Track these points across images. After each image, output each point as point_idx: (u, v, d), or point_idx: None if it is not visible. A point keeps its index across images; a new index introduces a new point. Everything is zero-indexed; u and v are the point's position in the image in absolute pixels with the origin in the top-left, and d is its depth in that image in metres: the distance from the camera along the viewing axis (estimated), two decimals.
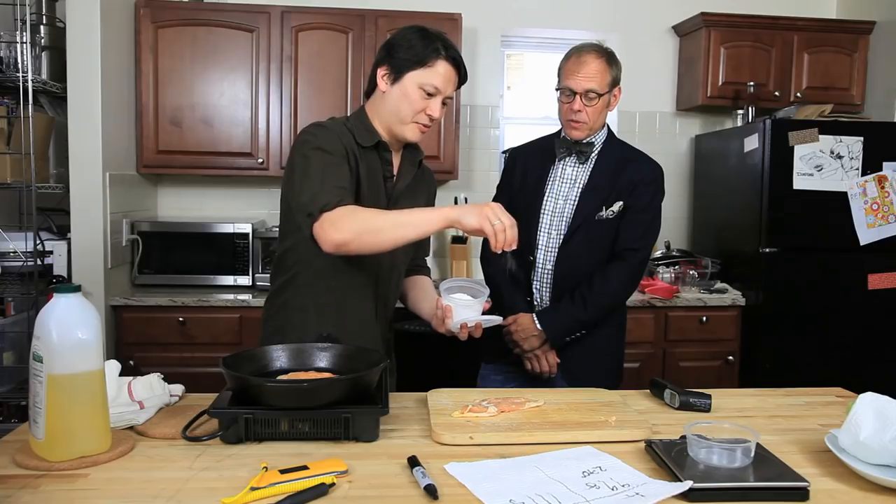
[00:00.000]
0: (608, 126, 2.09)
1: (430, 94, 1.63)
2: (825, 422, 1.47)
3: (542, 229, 2.05)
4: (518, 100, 4.00)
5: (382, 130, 1.69)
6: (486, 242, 2.17)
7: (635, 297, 3.21)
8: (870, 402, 1.22)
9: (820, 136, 3.15)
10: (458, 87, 1.71)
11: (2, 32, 2.76)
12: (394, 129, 1.68)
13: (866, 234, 3.21)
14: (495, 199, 2.21)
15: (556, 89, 2.02)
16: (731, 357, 3.28)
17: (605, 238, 2.01)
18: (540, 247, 2.05)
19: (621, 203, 2.00)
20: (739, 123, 3.60)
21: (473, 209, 1.45)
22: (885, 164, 3.19)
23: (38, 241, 2.75)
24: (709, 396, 1.55)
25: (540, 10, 3.79)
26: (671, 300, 3.21)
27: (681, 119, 3.93)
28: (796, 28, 3.57)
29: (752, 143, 3.27)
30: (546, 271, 2.05)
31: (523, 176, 2.10)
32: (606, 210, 2.00)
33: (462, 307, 1.61)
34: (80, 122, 2.86)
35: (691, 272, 3.44)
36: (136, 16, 3.23)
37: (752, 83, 3.49)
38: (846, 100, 3.62)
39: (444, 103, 1.67)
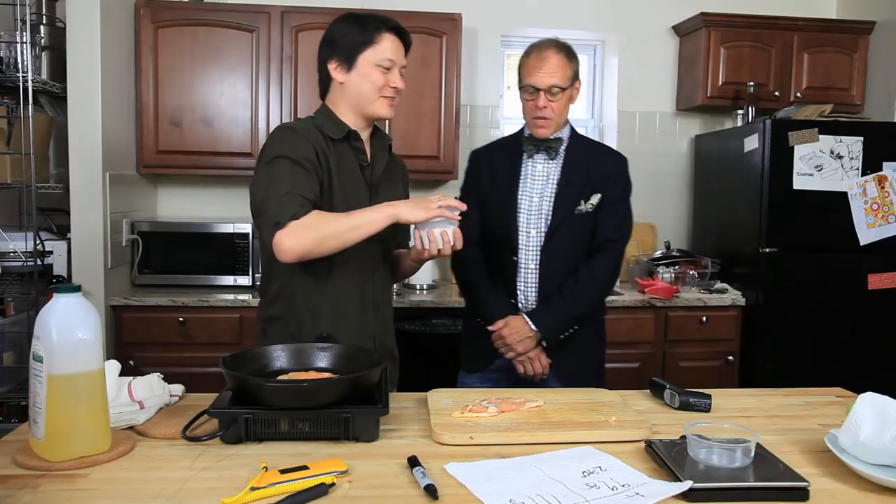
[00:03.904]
0: (569, 121, 2.09)
1: (387, 69, 1.66)
2: (825, 422, 1.47)
3: (521, 229, 2.02)
4: (518, 100, 3.99)
5: (351, 119, 1.71)
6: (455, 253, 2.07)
7: (635, 297, 3.22)
8: (870, 402, 1.22)
9: (820, 136, 3.15)
10: (406, 53, 1.74)
11: (2, 32, 2.76)
12: (365, 112, 1.70)
13: (866, 234, 3.21)
14: (461, 201, 2.14)
15: (520, 87, 2.02)
16: (731, 357, 3.28)
17: (585, 232, 2.02)
18: (521, 246, 2.02)
19: (599, 195, 2.01)
20: (739, 123, 3.60)
21: (414, 203, 1.55)
22: (885, 164, 3.19)
23: (38, 241, 2.75)
24: (709, 396, 1.55)
25: (540, 10, 3.79)
26: (671, 300, 3.21)
27: (681, 119, 3.93)
28: (796, 28, 3.57)
29: (752, 143, 3.27)
30: (530, 271, 2.03)
31: (491, 176, 2.08)
32: (586, 203, 2.00)
33: (437, 224, 1.57)
34: (80, 122, 2.86)
35: (691, 272, 3.44)
36: (136, 16, 3.23)
37: (752, 83, 3.49)
38: (846, 100, 3.62)
39: (401, 73, 1.70)
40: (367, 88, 1.67)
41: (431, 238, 1.57)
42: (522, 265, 2.03)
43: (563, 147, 2.04)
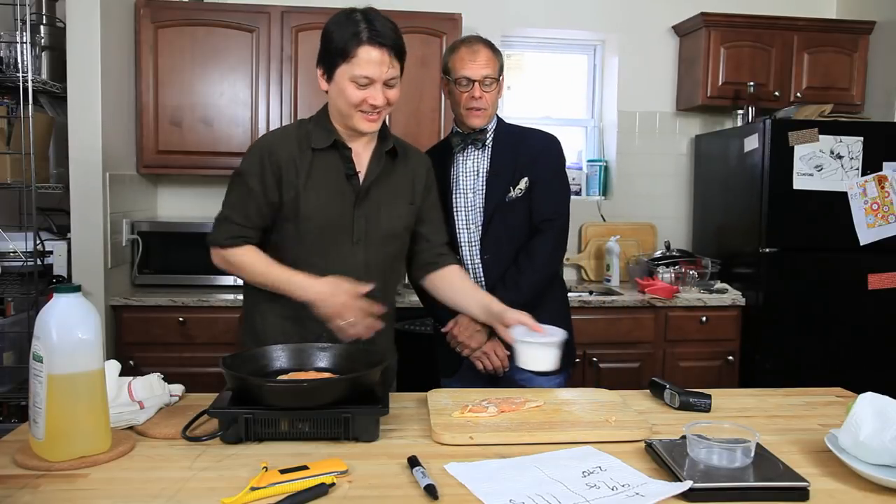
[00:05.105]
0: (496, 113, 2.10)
1: (364, 85, 1.57)
2: (825, 422, 1.47)
3: (460, 226, 2.05)
4: (518, 100, 4.00)
5: (340, 127, 1.68)
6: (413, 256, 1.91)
7: (635, 297, 3.22)
8: (870, 402, 1.22)
9: (820, 136, 3.15)
10: (401, 61, 1.62)
11: (2, 32, 2.76)
12: (345, 123, 1.66)
13: (866, 234, 3.21)
14: None
15: (452, 80, 2.00)
16: (731, 357, 3.28)
17: (521, 217, 2.03)
18: (462, 243, 2.05)
19: (527, 179, 2.02)
20: (739, 123, 3.60)
21: (334, 303, 1.56)
22: (885, 164, 3.19)
23: (38, 241, 2.75)
24: (709, 396, 1.55)
25: (540, 10, 3.79)
26: (671, 300, 3.21)
27: (681, 119, 3.93)
28: (796, 28, 3.57)
29: (752, 143, 3.27)
30: (474, 265, 2.04)
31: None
32: (515, 189, 2.02)
33: (534, 348, 1.60)
34: (80, 122, 2.86)
35: (691, 272, 3.44)
36: (136, 16, 3.23)
37: (752, 83, 3.49)
38: (846, 100, 3.62)
39: (389, 85, 1.60)
40: (342, 103, 1.61)
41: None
42: (467, 261, 2.05)
43: (489, 138, 2.06)
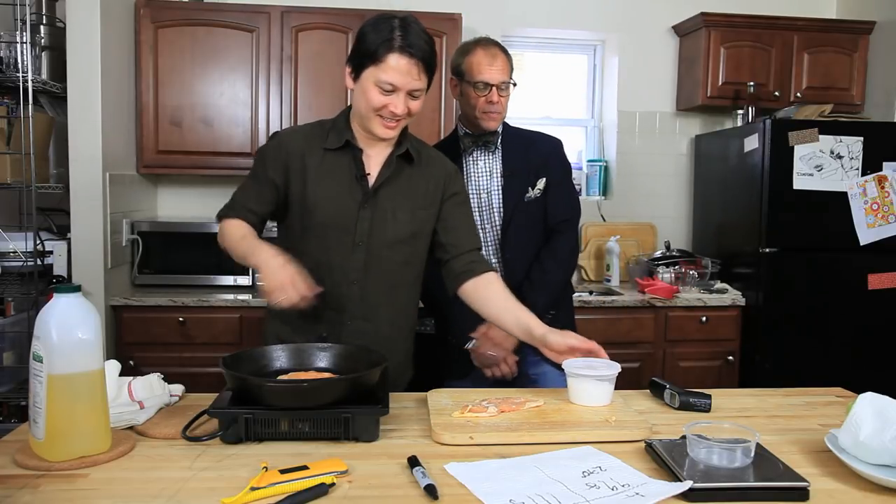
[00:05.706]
0: None
1: (388, 91, 1.57)
2: (825, 422, 1.47)
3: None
4: (518, 100, 3.99)
5: (359, 128, 1.67)
6: (431, 261, 1.83)
7: (636, 297, 3.22)
8: (870, 402, 1.22)
9: (820, 136, 3.15)
10: (429, 75, 1.61)
11: (2, 32, 2.76)
12: (363, 125, 1.65)
13: (866, 234, 3.21)
14: None
15: (471, 83, 2.01)
16: (731, 357, 3.28)
17: (537, 216, 2.07)
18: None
19: (544, 179, 2.06)
20: (739, 123, 3.60)
21: (275, 279, 1.49)
22: (885, 164, 3.20)
23: (38, 241, 2.75)
24: (709, 396, 1.55)
25: (540, 10, 3.79)
26: (671, 300, 3.21)
27: (681, 119, 3.93)
28: (796, 28, 3.57)
29: (752, 143, 3.27)
30: (493, 264, 2.01)
31: None
32: (533, 190, 2.06)
33: (587, 383, 1.49)
34: (80, 122, 2.86)
35: (691, 272, 3.44)
36: (136, 16, 3.23)
37: (752, 83, 3.49)
38: (846, 100, 3.62)
39: (413, 96, 1.60)
40: (363, 105, 1.60)
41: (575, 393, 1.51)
42: None
43: (498, 140, 2.09)
